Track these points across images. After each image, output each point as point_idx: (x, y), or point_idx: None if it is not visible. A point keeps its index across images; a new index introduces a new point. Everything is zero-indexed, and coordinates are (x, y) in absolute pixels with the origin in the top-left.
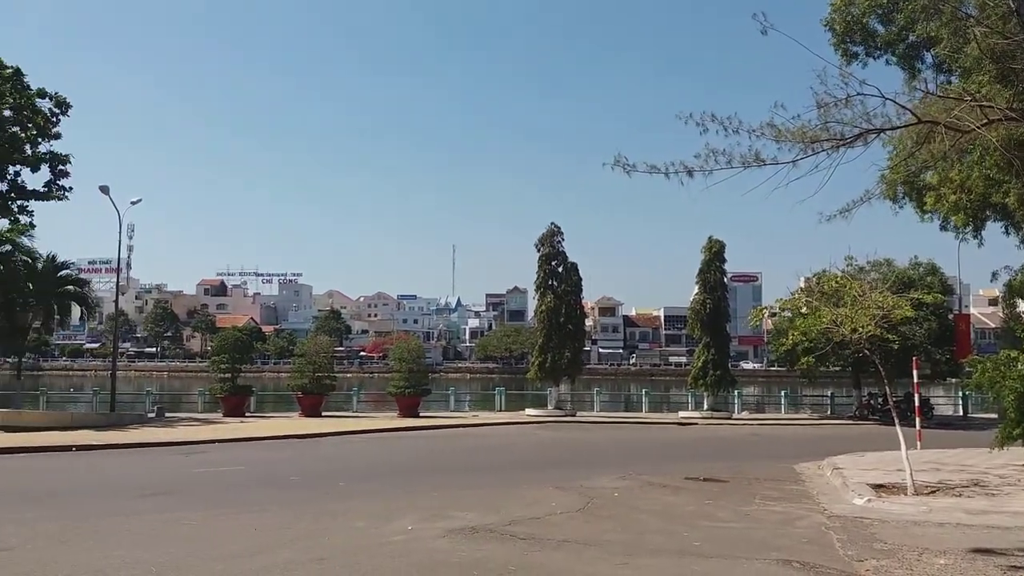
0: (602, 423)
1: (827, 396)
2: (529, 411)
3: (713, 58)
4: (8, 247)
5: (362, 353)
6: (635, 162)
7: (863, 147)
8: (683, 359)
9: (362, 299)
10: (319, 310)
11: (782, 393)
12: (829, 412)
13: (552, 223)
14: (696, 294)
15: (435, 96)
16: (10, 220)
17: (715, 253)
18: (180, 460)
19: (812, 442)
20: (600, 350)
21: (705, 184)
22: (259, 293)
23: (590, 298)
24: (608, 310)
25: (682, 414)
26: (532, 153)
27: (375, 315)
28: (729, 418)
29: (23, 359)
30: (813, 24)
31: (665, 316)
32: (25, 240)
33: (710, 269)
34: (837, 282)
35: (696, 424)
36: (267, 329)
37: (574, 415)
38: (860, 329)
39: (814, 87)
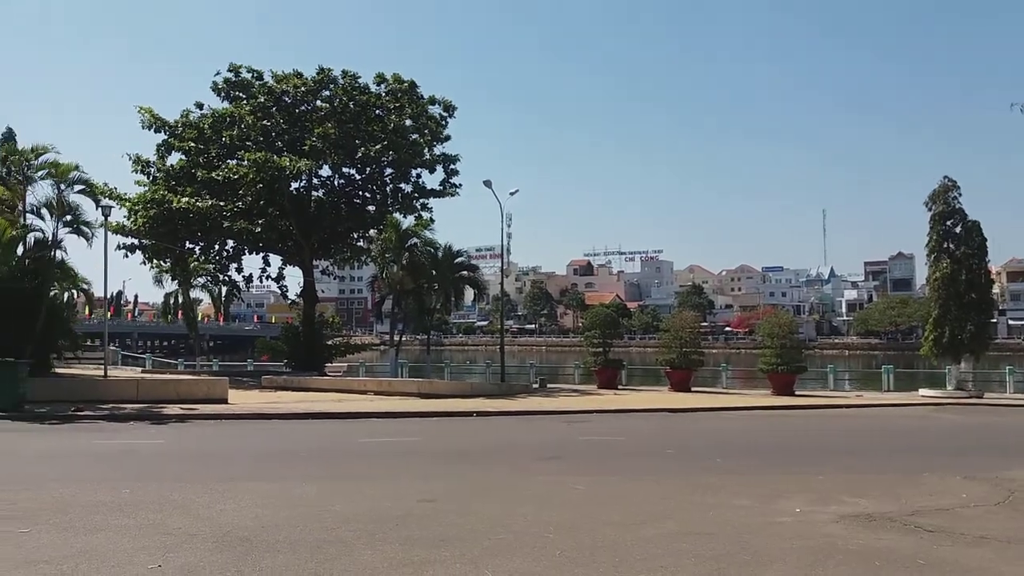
0: (1019, 406)
1: None
2: (923, 392)
3: None
4: (414, 240)
5: (727, 328)
6: None
7: None
8: None
9: (724, 273)
10: (680, 285)
11: None
12: None
13: (945, 177)
14: None
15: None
16: (415, 217)
17: None
18: (563, 428)
19: None
20: (1010, 322)
21: None
22: (622, 271)
23: (996, 262)
24: (1019, 275)
25: None
26: (922, 97)
27: (738, 289)
28: None
29: (429, 336)
30: None
31: None
32: (427, 233)
33: None
34: None
35: None
36: (631, 305)
37: (980, 396)
38: None
39: None
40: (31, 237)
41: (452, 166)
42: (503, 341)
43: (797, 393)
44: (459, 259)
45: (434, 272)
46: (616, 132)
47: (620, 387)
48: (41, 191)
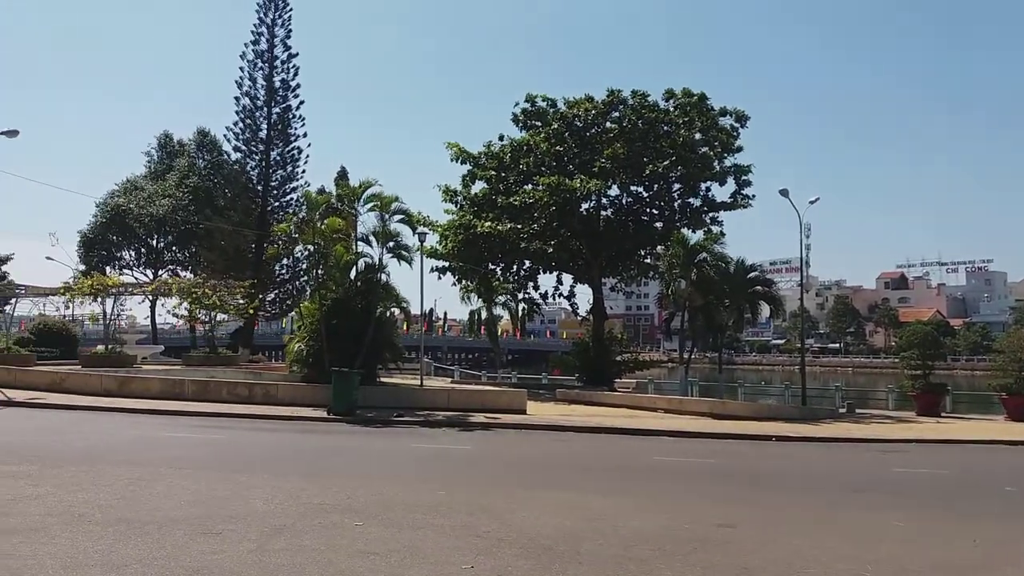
0: None
1: None
2: None
3: None
4: (704, 255)
5: None
6: None
7: None
8: None
9: None
10: (1016, 300)
11: None
12: None
13: None
14: None
15: None
16: (705, 231)
17: None
18: (875, 457)
19: None
20: None
21: None
22: (943, 284)
23: None
24: None
25: None
26: None
27: None
28: None
29: (721, 354)
30: None
31: None
32: (717, 248)
33: None
34: None
35: None
36: (955, 322)
37: None
38: None
39: None
40: (361, 262)
41: (744, 177)
42: (804, 360)
43: None
44: (752, 273)
45: (725, 287)
46: (928, 135)
47: (944, 414)
48: (368, 221)
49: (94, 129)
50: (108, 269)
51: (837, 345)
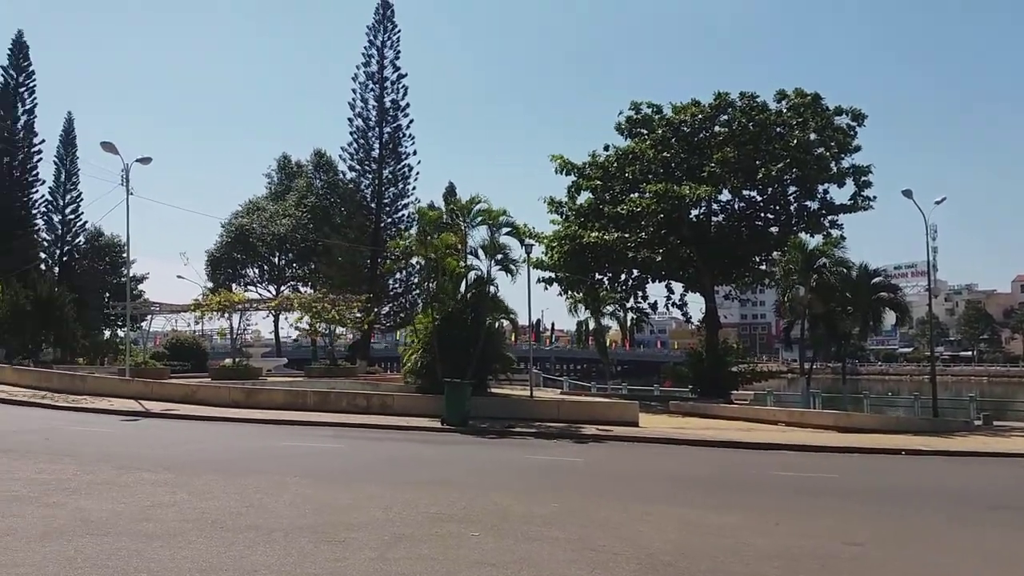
0: None
1: None
2: None
3: None
4: (823, 260)
5: None
6: None
7: None
8: None
9: None
10: None
11: None
12: None
13: None
14: None
15: None
16: (823, 236)
17: None
18: (1018, 473)
19: None
20: None
21: None
22: None
23: None
24: None
25: None
26: None
27: None
28: None
29: (844, 364)
30: None
31: None
32: (837, 252)
33: None
34: None
35: None
36: None
37: None
38: None
39: None
40: (471, 275)
41: (863, 178)
42: (934, 369)
43: None
44: (876, 279)
45: (847, 294)
46: None
47: None
48: (477, 235)
49: (219, 155)
50: (234, 286)
51: (969, 353)
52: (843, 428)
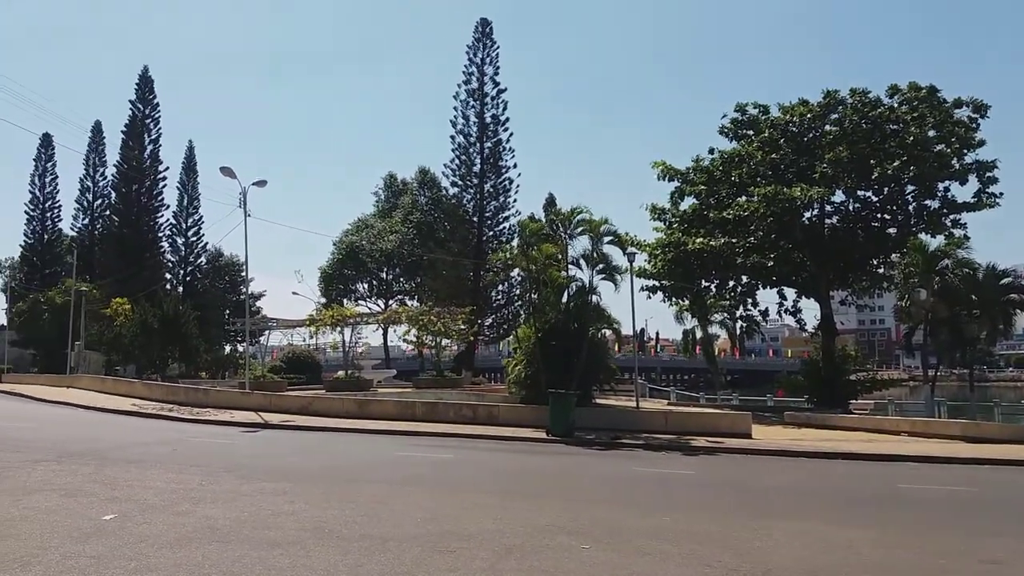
0: None
1: None
2: None
3: None
4: (946, 262)
5: None
6: None
7: None
8: None
9: None
10: None
11: None
12: None
13: None
14: None
15: None
16: (945, 236)
17: None
18: None
19: None
20: None
21: None
22: None
23: None
24: None
25: None
26: None
27: None
28: None
29: (972, 370)
30: None
31: None
32: (961, 253)
33: None
34: None
35: None
36: None
37: None
38: None
39: None
40: (573, 285)
41: (988, 174)
42: None
43: None
44: (1005, 279)
45: (973, 296)
46: None
47: None
48: (579, 245)
49: (330, 176)
50: (345, 301)
51: None
52: (972, 439)
